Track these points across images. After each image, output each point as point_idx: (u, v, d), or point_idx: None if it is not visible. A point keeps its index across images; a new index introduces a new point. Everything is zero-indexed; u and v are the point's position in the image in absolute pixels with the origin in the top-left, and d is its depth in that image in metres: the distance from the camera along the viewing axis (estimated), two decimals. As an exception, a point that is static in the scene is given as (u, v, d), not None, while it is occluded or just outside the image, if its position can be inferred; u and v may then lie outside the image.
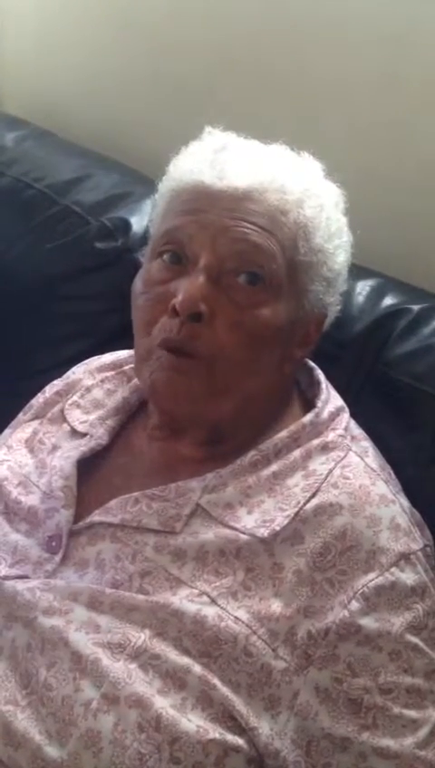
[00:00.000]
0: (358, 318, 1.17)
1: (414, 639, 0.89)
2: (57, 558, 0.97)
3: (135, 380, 1.11)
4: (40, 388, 1.23)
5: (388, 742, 0.86)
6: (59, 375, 1.23)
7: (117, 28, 1.71)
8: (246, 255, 0.94)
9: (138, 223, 1.40)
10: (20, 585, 0.95)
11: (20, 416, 1.21)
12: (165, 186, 1.05)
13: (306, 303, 0.99)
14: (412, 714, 0.88)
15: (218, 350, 0.94)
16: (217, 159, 0.98)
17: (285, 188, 0.97)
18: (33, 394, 1.22)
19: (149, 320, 0.97)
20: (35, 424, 1.15)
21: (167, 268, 0.98)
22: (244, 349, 0.94)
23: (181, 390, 0.95)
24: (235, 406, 0.97)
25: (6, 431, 1.21)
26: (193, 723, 0.85)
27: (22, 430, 1.16)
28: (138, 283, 1.01)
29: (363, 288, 1.22)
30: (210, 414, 0.98)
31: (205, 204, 0.96)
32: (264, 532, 0.92)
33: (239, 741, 0.86)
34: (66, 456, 1.06)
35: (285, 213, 0.96)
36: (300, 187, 0.98)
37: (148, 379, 0.98)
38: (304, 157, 1.04)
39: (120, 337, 1.34)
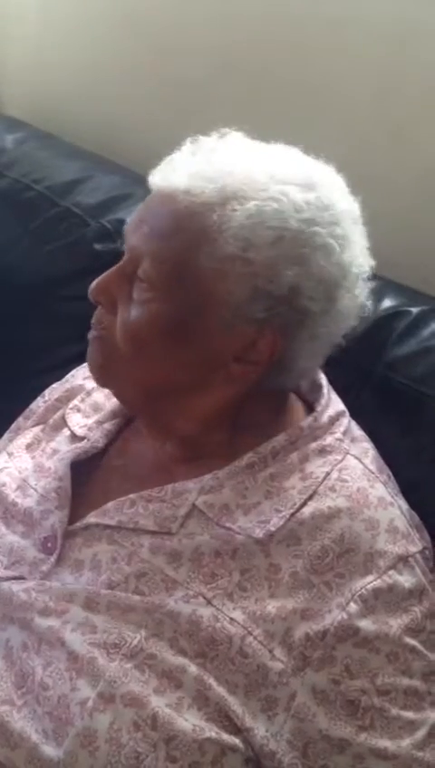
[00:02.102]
0: (357, 320, 1.17)
1: (412, 642, 0.89)
2: (52, 559, 0.98)
3: None
4: (39, 389, 1.23)
5: (385, 743, 0.86)
6: (58, 376, 1.23)
7: (117, 30, 1.72)
8: (142, 253, 0.95)
9: (137, 225, 1.40)
10: (16, 586, 0.96)
11: (20, 420, 1.22)
12: None
13: (222, 312, 0.93)
14: (410, 715, 0.88)
15: (111, 337, 0.97)
16: (178, 161, 0.98)
17: (205, 192, 0.92)
18: (32, 395, 1.23)
19: None
20: (37, 430, 1.16)
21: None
22: (127, 341, 0.96)
23: (91, 360, 1.02)
24: (136, 394, 1.00)
25: (6, 435, 1.21)
26: (189, 722, 0.85)
27: (23, 436, 1.16)
28: None
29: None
30: (120, 394, 1.04)
31: (145, 203, 0.99)
32: (259, 532, 0.92)
33: (235, 740, 0.86)
34: (61, 458, 1.06)
35: (190, 216, 0.92)
36: (228, 190, 0.92)
37: None
38: (274, 155, 0.98)
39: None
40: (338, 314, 0.96)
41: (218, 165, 0.94)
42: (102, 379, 1.02)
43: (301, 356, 0.97)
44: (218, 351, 0.95)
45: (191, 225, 0.93)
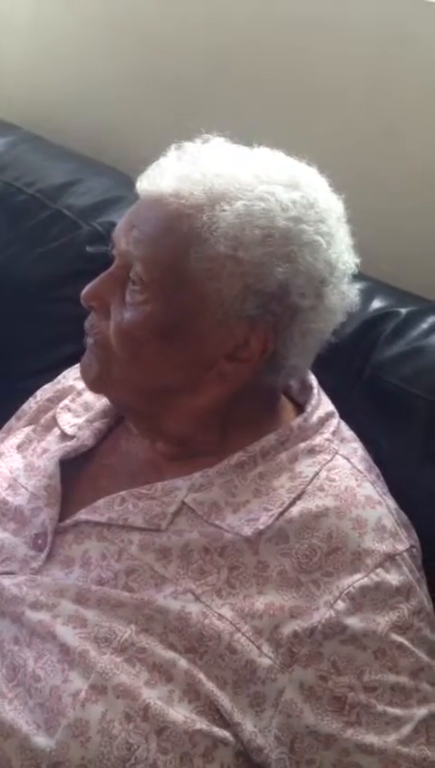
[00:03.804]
0: (347, 321, 1.17)
1: (399, 639, 0.90)
2: (43, 555, 0.98)
3: None
4: (30, 390, 1.23)
5: (371, 738, 0.86)
6: (49, 378, 1.24)
7: (110, 33, 1.72)
8: (133, 257, 0.96)
9: (129, 227, 1.41)
10: (6, 581, 0.96)
11: (12, 421, 1.22)
12: None
13: (214, 312, 0.94)
14: (396, 711, 0.88)
15: (105, 341, 0.98)
16: (164, 165, 0.99)
17: (193, 194, 0.94)
18: (24, 396, 1.23)
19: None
20: (28, 430, 1.16)
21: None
22: (121, 344, 0.97)
23: (85, 367, 1.02)
24: (131, 396, 1.00)
25: (-2, 435, 1.22)
26: (180, 714, 0.85)
27: (14, 436, 1.17)
28: None
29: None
30: (114, 399, 1.04)
31: (133, 207, 1.00)
32: (248, 530, 0.93)
33: (226, 733, 0.86)
34: (50, 456, 1.07)
35: (179, 219, 0.94)
36: (215, 192, 0.94)
37: None
38: (257, 157, 0.99)
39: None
40: (326, 310, 0.98)
41: (205, 167, 0.96)
42: (97, 384, 1.02)
43: (291, 353, 0.98)
44: (211, 351, 0.96)
45: (181, 227, 0.94)
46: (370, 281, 1.25)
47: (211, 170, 0.95)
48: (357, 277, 1.14)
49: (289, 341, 0.97)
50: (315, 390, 1.05)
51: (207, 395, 0.98)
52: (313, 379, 1.07)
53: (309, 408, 1.02)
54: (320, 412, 1.03)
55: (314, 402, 1.03)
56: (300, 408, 1.05)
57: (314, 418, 1.02)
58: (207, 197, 0.93)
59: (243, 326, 0.95)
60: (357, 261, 1.01)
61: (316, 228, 0.95)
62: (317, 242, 0.95)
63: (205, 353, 0.96)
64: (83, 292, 1.00)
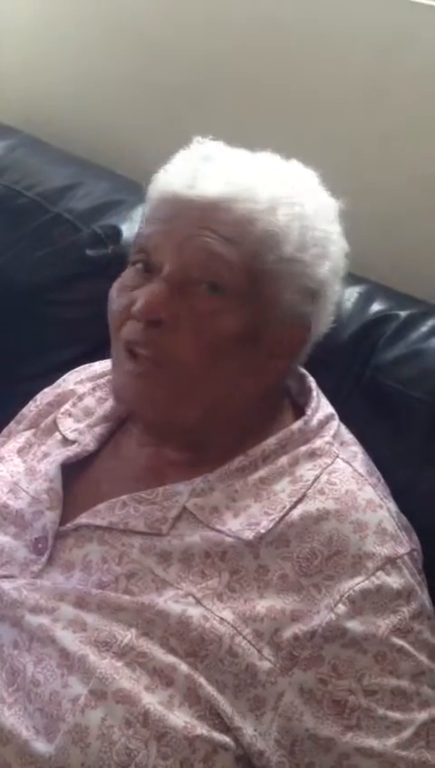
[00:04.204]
0: (346, 324, 1.18)
1: (400, 642, 0.90)
2: (43, 559, 0.98)
3: None
4: (30, 394, 1.23)
5: (371, 742, 0.86)
6: (49, 381, 1.24)
7: (109, 36, 1.72)
8: (206, 264, 0.95)
9: (129, 230, 1.41)
10: (6, 584, 0.96)
11: (12, 425, 1.22)
12: (148, 194, 1.05)
13: (278, 313, 0.97)
14: (396, 715, 0.88)
15: (178, 357, 0.94)
16: (194, 168, 0.99)
17: (256, 198, 0.96)
18: (24, 400, 1.23)
19: (115, 324, 0.99)
20: (28, 434, 1.16)
21: (138, 275, 0.99)
22: (202, 356, 0.94)
23: (145, 397, 0.97)
24: (201, 412, 0.97)
25: (-2, 440, 1.22)
26: (180, 719, 0.85)
27: (15, 440, 1.17)
28: (112, 290, 1.02)
29: (352, 294, 1.23)
30: (177, 420, 0.98)
31: (173, 213, 0.97)
32: (249, 534, 0.92)
33: (226, 739, 0.86)
34: (52, 460, 1.07)
35: (251, 222, 0.95)
36: (274, 195, 0.97)
37: (114, 384, 1.02)
38: (292, 164, 1.04)
39: (110, 344, 1.35)
40: (331, 307, 1.03)
41: (258, 172, 0.99)
42: (164, 410, 0.96)
43: (305, 350, 1.03)
44: (269, 352, 0.98)
45: (254, 231, 0.95)
46: (369, 284, 1.26)
47: (264, 174, 0.99)
48: (357, 280, 1.14)
49: (310, 338, 1.02)
50: (315, 393, 1.05)
51: (248, 394, 0.99)
52: (311, 381, 1.07)
53: (309, 411, 1.02)
54: (320, 415, 1.03)
55: (313, 405, 1.03)
56: (299, 409, 1.05)
57: (315, 421, 1.02)
58: (269, 202, 0.96)
59: (296, 325, 0.99)
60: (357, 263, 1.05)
61: (336, 227, 1.02)
62: (340, 239, 1.02)
63: (266, 355, 0.98)
64: (139, 305, 0.94)
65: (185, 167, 1.00)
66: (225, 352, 0.95)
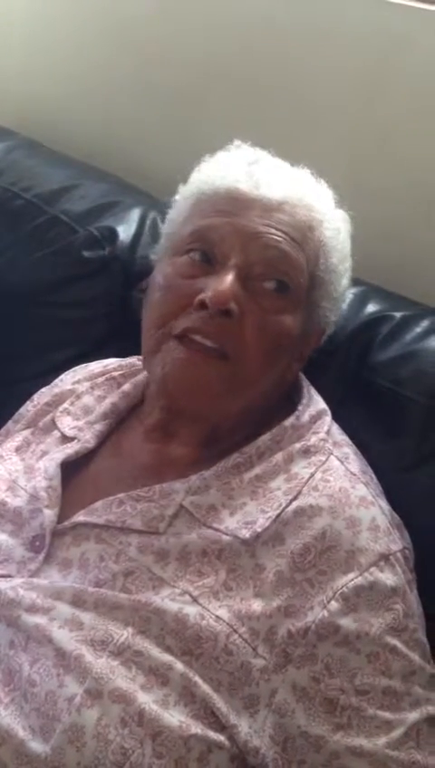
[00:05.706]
0: (342, 325, 1.18)
1: (393, 641, 0.90)
2: (40, 557, 0.98)
3: (125, 387, 1.14)
4: (27, 394, 1.24)
5: (361, 741, 0.86)
6: (46, 382, 1.24)
7: (105, 38, 1.72)
8: (275, 262, 0.97)
9: (125, 232, 1.41)
10: (2, 584, 0.96)
11: (9, 425, 1.22)
12: (190, 189, 1.08)
13: (315, 318, 1.04)
14: (387, 715, 0.88)
15: (244, 352, 0.96)
16: (252, 170, 1.02)
17: (313, 207, 1.02)
18: (21, 400, 1.23)
19: (167, 313, 0.99)
20: (26, 433, 1.16)
21: (194, 265, 1.00)
22: (264, 353, 0.96)
23: (201, 384, 0.97)
24: (242, 406, 0.99)
25: (-4, 439, 1.22)
26: (175, 718, 0.85)
27: (12, 439, 1.17)
28: (157, 278, 1.02)
29: (347, 296, 1.23)
30: (221, 411, 0.99)
31: (239, 208, 0.99)
32: (245, 533, 0.93)
33: (221, 737, 0.86)
34: (51, 458, 1.07)
35: (311, 229, 1.00)
36: (323, 208, 1.03)
37: (160, 372, 0.99)
38: (321, 183, 1.08)
39: (106, 344, 1.36)
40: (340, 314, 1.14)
41: (307, 183, 1.05)
42: (222, 398, 0.97)
43: None
44: (300, 354, 1.05)
45: (314, 236, 1.01)
46: (365, 285, 1.26)
47: (310, 183, 1.06)
48: (353, 282, 1.15)
49: None
50: (305, 388, 1.07)
51: (268, 394, 1.03)
52: (302, 377, 1.09)
53: (300, 407, 1.04)
54: (311, 410, 1.04)
55: (304, 401, 1.05)
56: (292, 405, 1.06)
57: (306, 416, 1.03)
58: (321, 210, 1.03)
59: (319, 330, 1.08)
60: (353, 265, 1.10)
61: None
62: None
63: (297, 357, 1.04)
64: (213, 294, 0.93)
65: (241, 167, 1.03)
66: (281, 353, 0.98)
